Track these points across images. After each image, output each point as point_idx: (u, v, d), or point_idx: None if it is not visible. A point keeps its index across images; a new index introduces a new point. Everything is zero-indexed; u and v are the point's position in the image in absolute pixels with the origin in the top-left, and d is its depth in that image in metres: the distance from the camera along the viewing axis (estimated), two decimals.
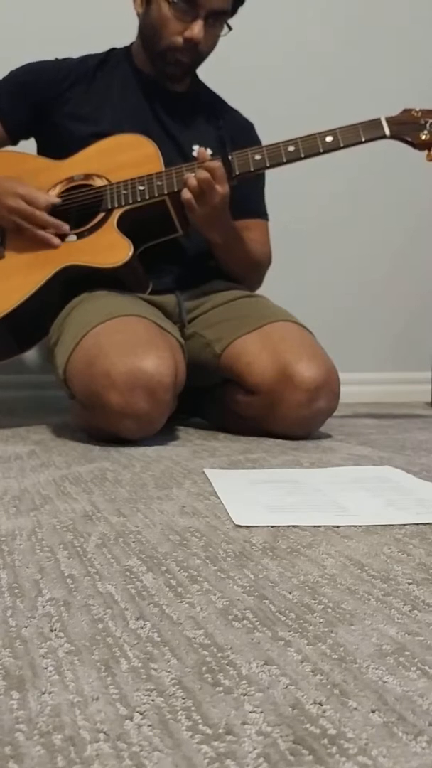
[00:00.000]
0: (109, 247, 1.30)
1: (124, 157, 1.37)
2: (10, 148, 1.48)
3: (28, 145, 1.51)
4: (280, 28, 2.03)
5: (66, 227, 1.33)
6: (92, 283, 1.31)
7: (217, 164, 1.27)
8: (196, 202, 1.28)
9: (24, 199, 1.31)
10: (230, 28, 1.40)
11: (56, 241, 1.32)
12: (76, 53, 1.50)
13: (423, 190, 2.15)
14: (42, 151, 1.48)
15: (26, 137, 1.49)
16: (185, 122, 1.48)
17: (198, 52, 1.38)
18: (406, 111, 1.33)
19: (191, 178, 1.27)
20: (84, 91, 1.44)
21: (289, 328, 1.29)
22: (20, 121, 1.45)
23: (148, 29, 1.39)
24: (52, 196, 1.34)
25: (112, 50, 1.51)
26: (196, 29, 1.33)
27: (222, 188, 1.28)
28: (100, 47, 1.51)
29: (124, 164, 1.36)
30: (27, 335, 1.38)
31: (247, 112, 1.58)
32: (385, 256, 2.19)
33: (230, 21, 1.40)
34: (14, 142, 1.48)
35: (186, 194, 1.29)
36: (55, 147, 1.42)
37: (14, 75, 1.45)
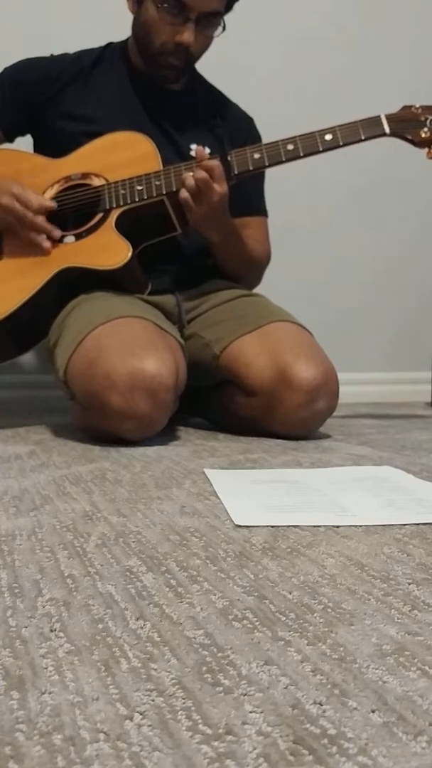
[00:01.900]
0: (107, 248, 1.30)
1: (121, 156, 1.37)
2: (7, 145, 1.48)
3: (26, 144, 1.51)
4: (279, 25, 2.03)
5: (57, 233, 1.31)
6: (91, 285, 1.31)
7: (215, 163, 1.27)
8: (194, 202, 1.28)
9: (18, 200, 1.30)
10: (224, 28, 1.38)
11: (47, 245, 1.31)
12: (72, 48, 1.49)
13: (424, 189, 2.15)
14: (38, 149, 1.47)
15: (22, 135, 1.49)
16: (182, 121, 1.48)
17: (189, 54, 1.37)
18: (406, 108, 1.32)
19: (189, 178, 1.27)
20: (79, 89, 1.43)
21: (287, 329, 1.29)
22: (15, 119, 1.44)
23: (140, 31, 1.39)
24: (47, 200, 1.33)
25: (109, 45, 1.50)
26: (186, 34, 1.32)
27: (220, 187, 1.27)
28: (98, 42, 1.50)
29: (122, 163, 1.36)
30: (26, 337, 1.38)
31: (246, 111, 1.58)
32: (385, 256, 2.19)
33: (227, 18, 1.38)
34: (10, 140, 1.48)
35: (183, 194, 1.28)
36: (52, 145, 1.42)
37: (9, 72, 1.44)
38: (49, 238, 1.32)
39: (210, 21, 1.34)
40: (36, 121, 1.44)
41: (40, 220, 1.31)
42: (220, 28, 1.38)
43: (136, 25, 1.41)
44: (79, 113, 1.42)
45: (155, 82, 1.46)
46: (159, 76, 1.42)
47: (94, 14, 1.80)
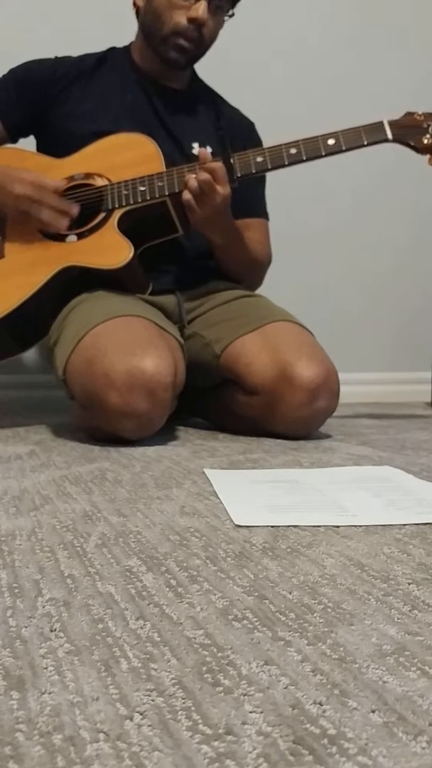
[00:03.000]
0: (109, 248, 1.30)
1: (124, 156, 1.37)
2: (10, 145, 1.48)
3: (28, 144, 1.51)
4: (281, 29, 2.03)
5: (75, 210, 1.32)
6: (92, 284, 1.31)
7: (218, 165, 1.27)
8: (197, 203, 1.28)
9: (32, 185, 1.30)
10: (232, 15, 1.41)
11: (65, 223, 1.31)
12: (75, 53, 1.49)
13: (423, 191, 2.15)
14: (42, 149, 1.47)
15: (26, 135, 1.49)
16: (185, 119, 1.48)
17: (201, 35, 1.37)
18: (409, 114, 1.32)
19: (191, 180, 1.27)
20: (83, 88, 1.44)
21: (288, 328, 1.29)
22: (20, 119, 1.45)
23: (151, 16, 1.39)
24: (58, 181, 1.34)
25: (112, 49, 1.51)
26: (201, 9, 1.33)
27: (223, 189, 1.27)
28: (99, 47, 1.51)
29: (125, 163, 1.36)
30: (27, 335, 1.38)
31: (249, 114, 1.58)
32: (386, 257, 2.19)
33: (231, 21, 1.40)
34: (14, 141, 1.48)
35: (186, 195, 1.28)
36: (55, 145, 1.42)
37: (13, 73, 1.45)
38: (58, 233, 1.32)
39: (219, 6, 1.37)
40: (40, 120, 1.44)
41: (58, 198, 1.31)
42: (227, 16, 1.40)
43: (146, 11, 1.40)
44: (82, 112, 1.42)
45: (159, 81, 1.46)
46: (169, 61, 1.41)
47: (95, 19, 1.81)
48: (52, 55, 1.48)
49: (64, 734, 0.30)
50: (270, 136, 1.40)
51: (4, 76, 1.46)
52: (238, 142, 1.42)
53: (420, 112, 1.32)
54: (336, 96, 2.02)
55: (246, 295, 1.43)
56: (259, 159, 1.31)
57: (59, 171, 1.39)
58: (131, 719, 0.32)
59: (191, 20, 1.34)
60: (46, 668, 0.37)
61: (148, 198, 1.32)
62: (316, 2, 2.07)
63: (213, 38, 1.42)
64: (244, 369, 1.25)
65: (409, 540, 0.61)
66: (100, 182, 1.36)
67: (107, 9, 1.75)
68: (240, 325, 1.31)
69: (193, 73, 1.53)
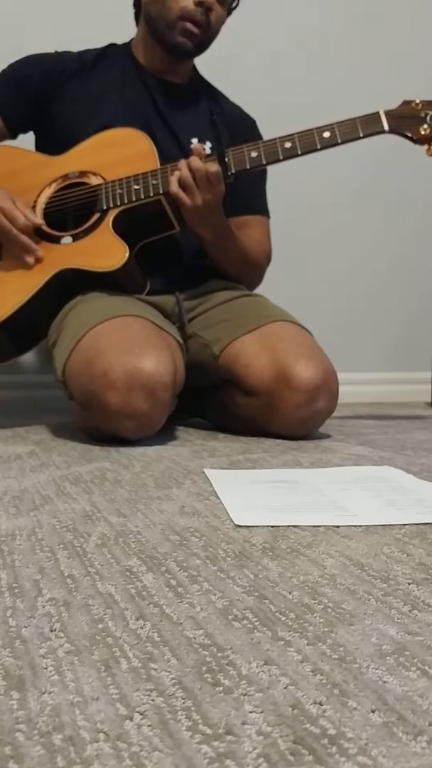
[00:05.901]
0: (104, 250, 1.30)
1: (119, 153, 1.37)
2: (8, 142, 1.48)
3: (27, 140, 1.51)
4: (278, 21, 2.03)
5: (39, 253, 1.31)
6: (89, 285, 1.31)
7: (201, 164, 1.26)
8: (187, 194, 1.28)
9: (5, 215, 1.30)
10: (236, 5, 1.42)
11: (30, 261, 1.31)
12: (74, 49, 1.49)
13: (424, 189, 2.15)
14: (41, 144, 1.47)
15: (26, 131, 1.49)
16: (186, 115, 1.48)
17: (208, 20, 1.36)
18: (406, 103, 1.30)
19: (183, 168, 1.27)
20: (83, 83, 1.44)
21: (287, 329, 1.29)
22: (20, 114, 1.44)
23: (157, 4, 1.38)
24: (35, 217, 1.33)
25: (111, 45, 1.51)
26: None
27: (215, 187, 1.27)
28: (98, 44, 1.51)
29: (119, 160, 1.36)
30: (25, 338, 1.38)
31: (244, 107, 1.58)
32: (385, 256, 2.19)
33: (230, 19, 1.40)
34: (14, 136, 1.48)
35: (173, 188, 1.28)
36: (54, 140, 1.42)
37: (13, 68, 1.45)
38: (51, 235, 1.32)
39: None
40: (40, 115, 1.44)
41: (25, 238, 1.31)
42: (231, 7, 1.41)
43: (150, 1, 1.39)
44: (82, 107, 1.42)
45: (159, 78, 1.46)
46: (175, 46, 1.40)
47: (95, 17, 1.81)
48: (51, 51, 1.47)
49: (64, 734, 0.30)
50: (267, 132, 1.40)
51: (3, 70, 1.45)
52: (239, 139, 1.42)
53: (417, 101, 1.30)
54: (335, 88, 2.02)
55: (245, 294, 1.43)
56: (254, 154, 1.31)
57: (54, 169, 1.39)
58: (131, 719, 0.32)
59: (198, 3, 1.33)
60: (46, 668, 0.37)
61: (143, 197, 1.32)
62: None
63: (218, 27, 1.41)
64: (242, 370, 1.25)
65: (409, 540, 0.61)
66: (94, 180, 1.36)
67: (106, 5, 1.75)
68: (239, 325, 1.31)
69: (194, 69, 1.53)
